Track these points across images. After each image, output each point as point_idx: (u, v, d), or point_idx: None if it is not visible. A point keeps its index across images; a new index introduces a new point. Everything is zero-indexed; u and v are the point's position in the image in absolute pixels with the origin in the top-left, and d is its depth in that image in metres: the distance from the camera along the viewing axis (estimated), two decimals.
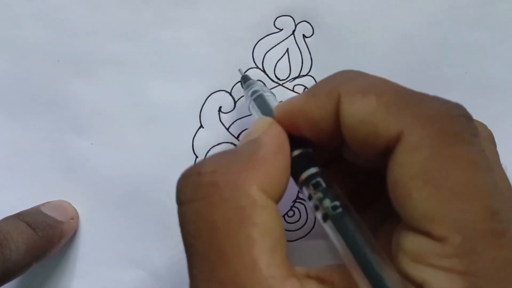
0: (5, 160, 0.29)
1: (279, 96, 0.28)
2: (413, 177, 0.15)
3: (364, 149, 0.17)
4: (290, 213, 0.29)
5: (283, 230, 0.17)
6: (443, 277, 0.14)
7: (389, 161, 0.16)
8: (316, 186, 0.18)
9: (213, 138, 0.28)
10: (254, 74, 0.28)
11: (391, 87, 0.17)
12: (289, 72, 0.28)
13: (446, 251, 0.14)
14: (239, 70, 0.27)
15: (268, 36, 0.28)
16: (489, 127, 0.22)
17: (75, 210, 0.29)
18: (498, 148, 0.28)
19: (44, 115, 0.29)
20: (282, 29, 0.28)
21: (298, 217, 0.29)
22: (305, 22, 0.28)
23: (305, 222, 0.29)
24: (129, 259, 0.29)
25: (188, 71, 0.28)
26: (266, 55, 0.28)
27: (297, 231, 0.29)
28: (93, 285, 0.29)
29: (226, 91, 0.28)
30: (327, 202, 0.17)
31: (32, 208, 0.28)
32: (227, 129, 0.28)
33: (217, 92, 0.28)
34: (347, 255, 0.16)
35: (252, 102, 0.24)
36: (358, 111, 0.17)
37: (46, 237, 0.26)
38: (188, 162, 0.28)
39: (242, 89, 0.28)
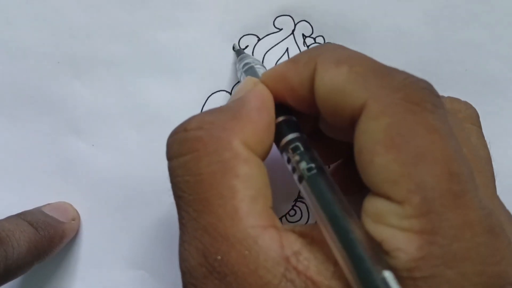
0: (5, 162, 0.29)
1: None
2: (375, 143, 0.16)
3: (334, 118, 0.18)
4: (292, 212, 0.29)
5: (268, 183, 0.18)
6: (401, 236, 0.15)
7: (355, 130, 0.17)
8: (295, 149, 0.18)
9: None
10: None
11: (364, 60, 0.18)
12: None
13: (405, 212, 0.15)
14: (233, 45, 0.28)
15: (268, 36, 0.28)
16: (488, 124, 0.23)
17: (76, 211, 0.29)
18: (497, 144, 0.28)
19: (44, 117, 0.29)
20: (282, 29, 0.28)
21: (300, 216, 0.29)
22: (304, 22, 0.28)
23: (306, 221, 0.29)
24: (130, 260, 0.29)
25: (188, 71, 0.29)
26: (266, 55, 0.28)
27: None
28: (94, 286, 0.29)
29: (226, 91, 0.29)
30: (303, 165, 0.18)
31: (33, 209, 0.28)
32: None
33: (217, 92, 0.29)
34: (318, 213, 0.16)
35: (243, 74, 0.25)
36: (329, 80, 0.17)
37: (47, 237, 0.26)
38: None
39: None
